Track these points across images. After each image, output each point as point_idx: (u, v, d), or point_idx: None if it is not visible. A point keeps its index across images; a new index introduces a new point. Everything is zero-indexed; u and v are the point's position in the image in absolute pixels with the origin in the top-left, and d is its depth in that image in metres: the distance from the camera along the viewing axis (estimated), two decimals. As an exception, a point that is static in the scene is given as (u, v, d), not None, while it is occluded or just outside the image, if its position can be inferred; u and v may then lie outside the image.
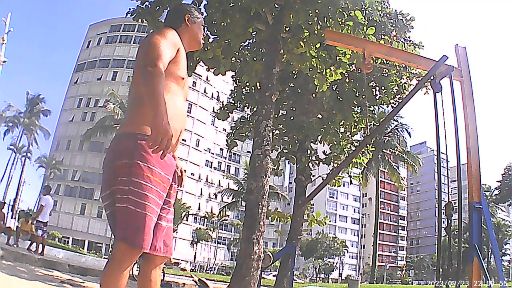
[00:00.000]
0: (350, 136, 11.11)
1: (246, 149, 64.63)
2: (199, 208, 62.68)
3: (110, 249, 35.27)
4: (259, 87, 8.26)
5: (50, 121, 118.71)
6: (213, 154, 73.01)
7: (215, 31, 7.54)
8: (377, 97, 10.64)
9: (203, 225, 57.69)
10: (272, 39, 7.27)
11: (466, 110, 4.41)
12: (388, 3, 10.46)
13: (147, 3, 7.58)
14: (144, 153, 1.72)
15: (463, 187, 4.34)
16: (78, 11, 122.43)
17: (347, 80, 9.81)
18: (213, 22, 7.47)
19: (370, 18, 8.27)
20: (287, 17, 7.14)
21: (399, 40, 9.93)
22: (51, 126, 60.36)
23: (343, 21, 6.96)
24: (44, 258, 8.24)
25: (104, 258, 23.69)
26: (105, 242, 51.12)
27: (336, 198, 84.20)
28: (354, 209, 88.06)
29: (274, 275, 19.86)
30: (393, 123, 30.15)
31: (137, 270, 7.79)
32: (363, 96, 9.78)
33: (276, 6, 7.23)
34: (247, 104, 10.67)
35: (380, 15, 9.29)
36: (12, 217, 36.52)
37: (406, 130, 32.72)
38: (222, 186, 60.28)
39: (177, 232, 52.71)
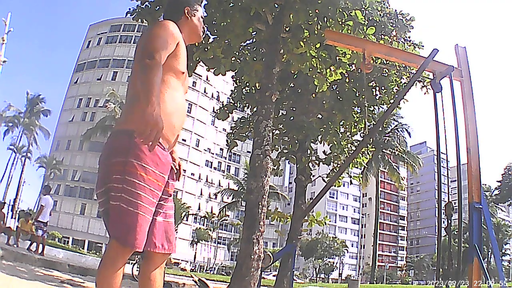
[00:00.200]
0: (350, 136, 11.11)
1: (246, 149, 64.61)
2: (199, 208, 62.69)
3: (110, 249, 35.23)
4: (259, 87, 8.25)
5: (50, 121, 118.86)
6: (213, 154, 73.00)
7: (215, 31, 7.54)
8: (377, 97, 10.64)
9: (203, 225, 57.69)
10: (272, 39, 7.27)
11: (466, 110, 4.41)
12: (388, 3, 10.46)
13: (147, 3, 7.59)
14: (139, 152, 1.71)
15: (463, 187, 4.34)
16: (78, 11, 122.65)
17: (347, 80, 9.80)
18: (213, 22, 7.47)
19: (370, 18, 8.27)
20: (287, 17, 7.14)
21: (399, 40, 9.93)
22: (51, 126, 60.51)
23: (343, 21, 6.96)
24: (44, 258, 8.24)
25: (104, 258, 23.66)
26: (105, 242, 51.00)
27: (336, 198, 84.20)
28: (354, 209, 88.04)
29: (274, 275, 19.86)
30: (393, 123, 30.15)
31: (137, 270, 7.81)
32: (363, 96, 9.78)
33: (276, 6, 7.23)
34: (247, 104, 10.67)
35: (380, 15, 9.29)
36: (12, 217, 36.52)
37: (406, 130, 32.70)
38: (222, 186, 60.24)
39: (177, 232, 52.54)
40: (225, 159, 74.65)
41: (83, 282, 6.19)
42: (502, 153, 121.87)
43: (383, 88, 10.54)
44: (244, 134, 10.65)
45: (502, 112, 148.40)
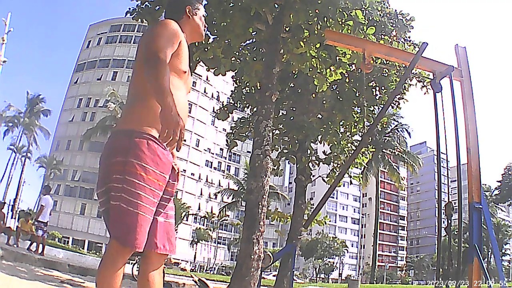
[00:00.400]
0: (350, 136, 11.11)
1: (246, 149, 64.62)
2: (199, 208, 62.69)
3: (110, 249, 35.23)
4: (259, 87, 8.25)
5: (50, 121, 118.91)
6: (213, 154, 73.01)
7: (215, 31, 7.54)
8: (377, 97, 10.64)
9: (203, 225, 57.68)
10: (272, 39, 7.26)
11: (466, 110, 4.41)
12: (388, 3, 10.46)
13: (147, 3, 7.59)
14: (139, 151, 1.71)
15: (463, 187, 4.34)
16: (78, 11, 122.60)
17: (347, 80, 9.80)
18: (213, 22, 7.47)
19: (370, 18, 8.27)
20: (287, 17, 7.14)
21: (399, 40, 9.93)
22: (51, 126, 60.52)
23: (343, 21, 6.96)
24: (44, 258, 8.24)
25: (104, 258, 23.66)
26: (105, 242, 51.04)
27: (336, 198, 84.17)
28: (354, 209, 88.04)
29: (274, 275, 19.86)
30: (393, 123, 30.16)
31: (137, 270, 7.80)
32: (363, 96, 9.78)
33: (276, 6, 7.23)
34: (247, 104, 10.67)
35: (380, 15, 9.28)
36: (12, 217, 36.52)
37: (406, 130, 32.70)
38: (222, 186, 60.26)
39: (177, 232, 52.61)
40: (225, 159, 74.65)
41: (83, 282, 6.19)
42: (502, 153, 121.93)
43: (383, 88, 10.54)
44: (244, 134, 10.65)
45: (502, 112, 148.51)
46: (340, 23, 6.92)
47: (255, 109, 9.41)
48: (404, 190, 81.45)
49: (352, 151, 10.71)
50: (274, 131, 9.93)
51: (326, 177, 11.07)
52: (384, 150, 30.29)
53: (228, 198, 39.40)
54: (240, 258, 6.27)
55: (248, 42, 8.59)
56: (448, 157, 4.34)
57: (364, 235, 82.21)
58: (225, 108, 10.42)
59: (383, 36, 9.45)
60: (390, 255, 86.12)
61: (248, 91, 10.40)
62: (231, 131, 10.95)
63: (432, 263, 58.52)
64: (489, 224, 4.07)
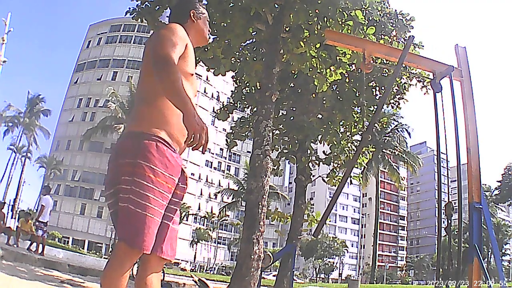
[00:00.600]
0: (350, 136, 11.11)
1: (246, 149, 64.63)
2: (199, 208, 62.68)
3: (110, 249, 35.28)
4: (259, 87, 8.25)
5: (50, 121, 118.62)
6: (213, 154, 72.98)
7: (215, 31, 7.54)
8: (377, 97, 10.64)
9: (203, 225, 57.68)
10: (272, 39, 7.27)
11: (466, 110, 4.41)
12: (388, 3, 10.46)
13: (146, 2, 7.59)
14: (148, 153, 1.71)
15: (463, 187, 4.34)
16: (78, 11, 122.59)
17: (347, 80, 9.81)
18: (213, 22, 7.47)
19: (370, 18, 8.27)
20: (287, 17, 7.14)
21: (399, 40, 9.93)
22: (51, 126, 60.42)
23: (343, 21, 6.96)
24: (44, 258, 8.24)
25: (104, 258, 23.68)
26: (105, 242, 51.15)
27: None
28: (354, 209, 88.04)
29: (274, 275, 19.86)
30: (393, 123, 30.16)
31: (136, 270, 7.80)
32: (363, 96, 9.78)
33: (276, 6, 7.23)
34: (247, 104, 10.67)
35: (380, 15, 9.29)
36: (12, 217, 36.51)
37: (406, 130, 32.76)
38: (222, 186, 60.26)
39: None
40: (225, 159, 74.65)
41: (83, 282, 6.19)
42: (502, 153, 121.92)
43: (383, 88, 10.54)
44: (244, 134, 10.65)
45: (502, 112, 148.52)
46: (340, 23, 6.92)
47: (255, 109, 9.41)
48: (404, 190, 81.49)
49: (352, 151, 10.71)
50: (274, 131, 9.93)
51: (326, 177, 11.07)
52: (384, 150, 30.31)
53: (228, 198, 39.41)
54: (240, 258, 6.28)
55: (248, 42, 8.60)
56: (448, 157, 4.34)
57: (364, 235, 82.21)
58: (225, 108, 10.42)
59: (383, 36, 9.46)
60: (390, 255, 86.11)
61: (248, 91, 10.40)
62: (231, 131, 10.95)
63: (432, 263, 58.55)
64: (489, 224, 4.07)
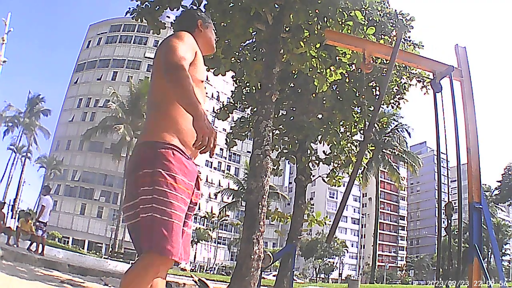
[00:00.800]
0: (350, 136, 11.11)
1: (246, 149, 64.62)
2: (199, 208, 62.55)
3: (110, 249, 35.23)
4: (259, 87, 8.25)
5: (50, 121, 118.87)
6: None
7: (215, 31, 7.53)
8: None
9: (203, 225, 57.67)
10: (272, 39, 7.26)
11: (466, 110, 4.41)
12: (388, 3, 10.47)
13: (146, 2, 7.58)
14: (166, 162, 1.71)
15: (463, 187, 4.34)
16: (78, 11, 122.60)
17: (347, 80, 9.81)
18: (213, 22, 7.47)
19: (370, 18, 8.28)
20: (287, 17, 7.14)
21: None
22: (51, 126, 60.42)
23: (343, 21, 6.96)
24: (44, 258, 8.24)
25: (104, 258, 23.66)
26: (105, 242, 51.11)
27: (336, 198, 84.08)
28: (354, 209, 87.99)
29: (274, 275, 19.86)
30: (393, 123, 30.17)
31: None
32: (363, 96, 9.78)
33: (276, 6, 7.23)
34: (247, 104, 10.67)
35: (380, 15, 9.29)
36: (12, 217, 36.51)
37: (406, 130, 32.75)
38: (222, 186, 60.25)
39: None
40: (225, 159, 74.62)
41: (83, 282, 6.19)
42: (502, 153, 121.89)
43: (383, 88, 10.53)
44: (244, 134, 10.65)
45: (502, 112, 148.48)
46: (340, 23, 6.93)
47: (255, 109, 9.40)
48: (404, 190, 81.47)
49: (352, 151, 10.70)
50: (274, 131, 9.94)
51: (326, 177, 11.07)
52: (384, 150, 30.31)
53: (228, 198, 39.43)
54: (240, 258, 6.27)
55: (248, 42, 8.60)
56: (448, 157, 4.34)
57: (364, 235, 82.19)
58: (225, 108, 10.42)
59: (383, 36, 9.46)
60: (390, 255, 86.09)
61: (248, 91, 10.40)
62: (231, 131, 10.95)
63: (432, 263, 58.56)
64: (489, 224, 4.07)
